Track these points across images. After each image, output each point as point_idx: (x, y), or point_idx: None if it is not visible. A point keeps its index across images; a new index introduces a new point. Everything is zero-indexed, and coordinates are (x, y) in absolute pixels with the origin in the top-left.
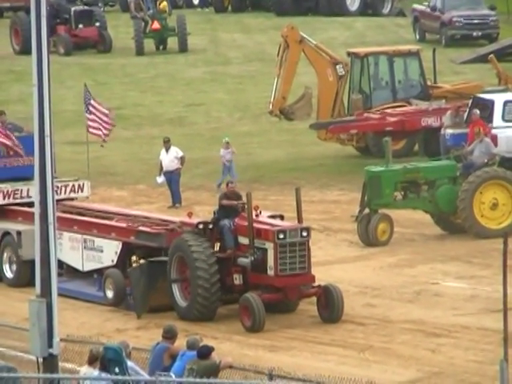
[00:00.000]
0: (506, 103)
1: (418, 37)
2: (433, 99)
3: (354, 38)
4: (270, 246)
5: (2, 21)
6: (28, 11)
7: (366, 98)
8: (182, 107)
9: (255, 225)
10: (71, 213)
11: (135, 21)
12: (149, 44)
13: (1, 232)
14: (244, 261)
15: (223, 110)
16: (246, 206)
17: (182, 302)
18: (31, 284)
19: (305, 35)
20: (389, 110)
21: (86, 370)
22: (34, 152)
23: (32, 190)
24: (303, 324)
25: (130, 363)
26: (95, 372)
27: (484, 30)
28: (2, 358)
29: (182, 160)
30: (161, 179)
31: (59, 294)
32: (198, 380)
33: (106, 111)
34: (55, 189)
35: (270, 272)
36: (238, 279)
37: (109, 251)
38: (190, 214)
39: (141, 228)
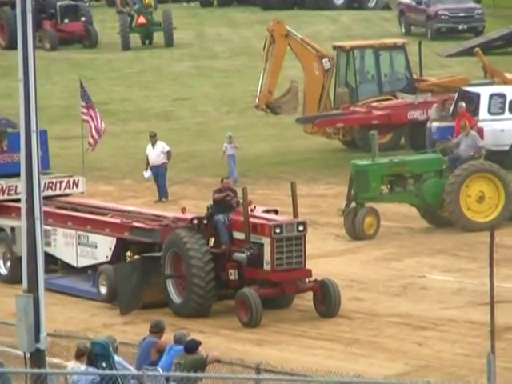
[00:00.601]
0: (491, 96)
1: (403, 30)
2: (419, 92)
3: (340, 31)
4: (266, 240)
5: None
6: (13, 6)
7: (352, 92)
8: (168, 102)
9: (251, 220)
10: (65, 209)
11: (121, 15)
12: (135, 39)
13: None
14: (240, 256)
15: (210, 104)
16: (240, 201)
17: (176, 298)
18: None
19: (291, 29)
20: (375, 104)
21: (73, 365)
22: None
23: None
24: (291, 318)
25: (117, 358)
26: (82, 367)
27: (469, 23)
28: None
29: (168, 154)
30: (147, 174)
31: (52, 290)
32: (185, 374)
33: (102, 127)
34: (50, 185)
35: (267, 267)
36: (233, 274)
37: (103, 247)
38: (183, 210)
39: (135, 224)
